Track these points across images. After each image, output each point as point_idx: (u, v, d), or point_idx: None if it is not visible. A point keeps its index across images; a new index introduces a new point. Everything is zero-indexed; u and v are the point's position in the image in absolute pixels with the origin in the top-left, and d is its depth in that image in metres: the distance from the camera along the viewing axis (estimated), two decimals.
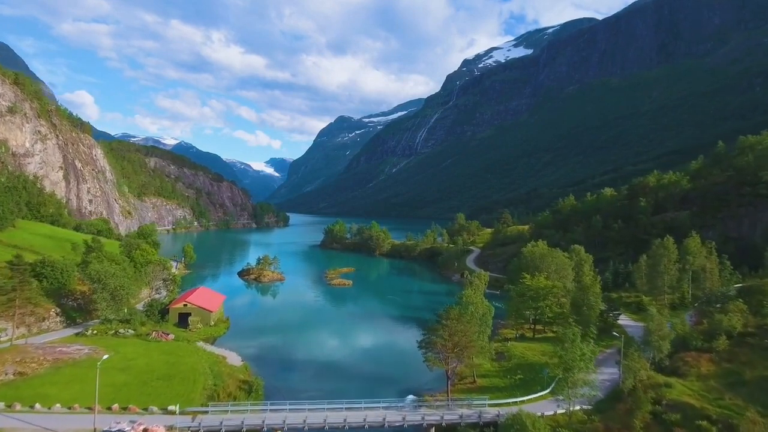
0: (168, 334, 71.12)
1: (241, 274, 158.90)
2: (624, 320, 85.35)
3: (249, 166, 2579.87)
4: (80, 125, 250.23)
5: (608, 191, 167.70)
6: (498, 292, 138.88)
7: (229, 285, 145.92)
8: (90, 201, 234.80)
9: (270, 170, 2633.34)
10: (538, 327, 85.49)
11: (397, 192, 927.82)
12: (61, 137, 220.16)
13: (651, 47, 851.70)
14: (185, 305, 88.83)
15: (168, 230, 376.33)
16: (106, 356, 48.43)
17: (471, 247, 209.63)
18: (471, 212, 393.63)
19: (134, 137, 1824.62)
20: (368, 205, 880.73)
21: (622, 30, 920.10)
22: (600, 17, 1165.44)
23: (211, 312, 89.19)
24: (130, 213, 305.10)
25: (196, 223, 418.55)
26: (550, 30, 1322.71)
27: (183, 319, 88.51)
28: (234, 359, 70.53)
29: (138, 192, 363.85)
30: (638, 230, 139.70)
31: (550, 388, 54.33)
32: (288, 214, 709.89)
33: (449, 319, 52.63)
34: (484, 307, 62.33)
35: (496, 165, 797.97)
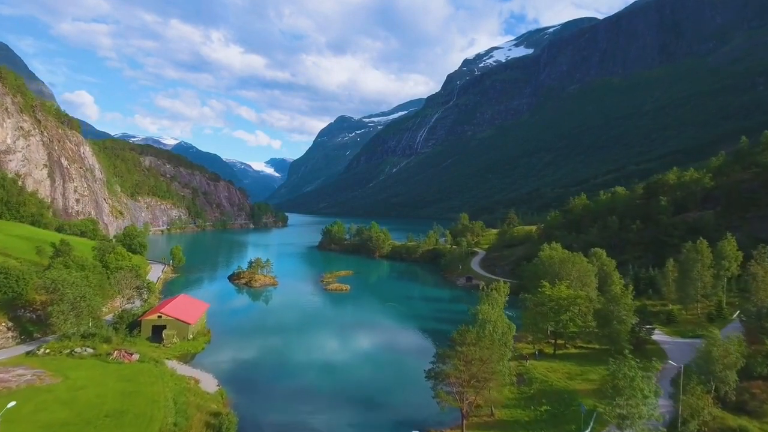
0: (132, 354, 61.01)
1: (232, 278, 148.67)
2: (657, 335, 75.13)
3: (249, 166, 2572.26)
4: (68, 122, 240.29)
5: (621, 190, 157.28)
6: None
7: (217, 290, 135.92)
8: (77, 200, 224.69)
9: (270, 170, 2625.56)
10: (559, 341, 75.34)
11: (398, 192, 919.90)
12: (46, 134, 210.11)
13: (652, 46, 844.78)
14: (159, 316, 78.72)
15: (162, 231, 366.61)
16: (12, 404, 37.18)
17: (475, 249, 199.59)
18: (472, 212, 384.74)
19: (134, 137, 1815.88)
20: (368, 205, 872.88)
21: (623, 29, 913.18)
22: (600, 17, 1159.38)
23: (189, 324, 79.04)
24: (121, 213, 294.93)
25: (192, 224, 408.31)
26: (551, 29, 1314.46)
27: (157, 333, 78.49)
28: (208, 383, 60.43)
29: (131, 191, 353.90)
30: (658, 231, 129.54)
31: (589, 430, 44.18)
32: (288, 214, 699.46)
33: (465, 345, 42.50)
34: (504, 325, 52.05)
35: (497, 165, 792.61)
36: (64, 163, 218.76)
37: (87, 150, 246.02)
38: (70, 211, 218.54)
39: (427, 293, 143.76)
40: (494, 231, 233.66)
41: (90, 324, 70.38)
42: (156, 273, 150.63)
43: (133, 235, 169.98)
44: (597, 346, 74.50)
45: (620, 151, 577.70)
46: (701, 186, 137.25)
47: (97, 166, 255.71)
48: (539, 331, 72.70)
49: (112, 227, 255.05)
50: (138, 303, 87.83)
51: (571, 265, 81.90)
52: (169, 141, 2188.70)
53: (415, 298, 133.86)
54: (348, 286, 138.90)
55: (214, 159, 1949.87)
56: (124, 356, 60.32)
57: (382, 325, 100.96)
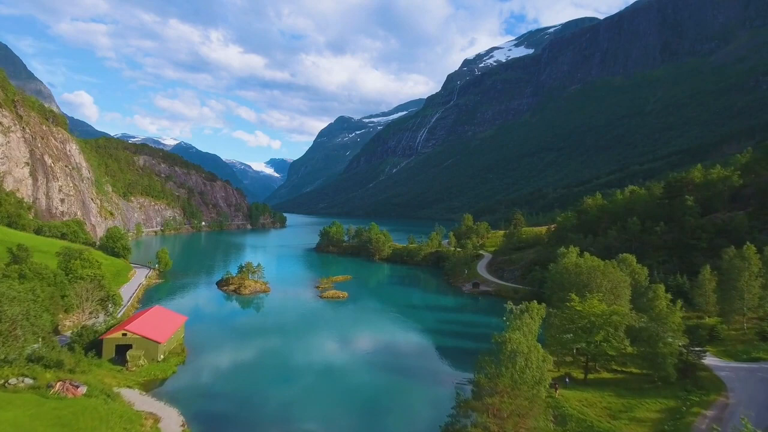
0: (78, 386, 50.03)
1: (220, 284, 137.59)
2: (708, 359, 64.08)
3: (249, 166, 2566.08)
4: (53, 118, 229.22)
5: (638, 189, 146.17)
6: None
7: (203, 298, 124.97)
8: (62, 200, 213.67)
9: (270, 171, 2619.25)
10: (590, 363, 64.34)
11: (398, 192, 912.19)
12: (28, 130, 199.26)
13: (654, 46, 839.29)
14: (124, 334, 67.79)
15: (156, 232, 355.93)
16: None
17: (481, 252, 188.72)
18: (473, 213, 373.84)
19: (134, 137, 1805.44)
20: (368, 206, 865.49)
21: (624, 29, 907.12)
22: (600, 16, 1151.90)
23: (159, 343, 68.10)
24: (112, 214, 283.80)
25: (187, 225, 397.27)
26: (552, 29, 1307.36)
27: (122, 353, 67.60)
28: (171, 422, 49.49)
29: (124, 191, 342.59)
30: (684, 234, 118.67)
31: None
32: (287, 214, 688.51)
33: (497, 394, 31.68)
34: (539, 358, 40.96)
35: (498, 165, 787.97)
36: (48, 161, 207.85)
37: (73, 147, 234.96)
38: (54, 211, 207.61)
39: (431, 301, 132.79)
40: (499, 232, 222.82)
41: (38, 345, 59.38)
42: (139, 278, 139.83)
43: (116, 237, 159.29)
44: (634, 370, 63.65)
45: (623, 151, 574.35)
46: (729, 184, 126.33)
47: (84, 164, 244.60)
48: (567, 353, 61.73)
49: (101, 228, 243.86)
50: (102, 318, 76.80)
51: (602, 275, 70.82)
52: (169, 141, 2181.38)
53: (419, 307, 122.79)
54: (345, 294, 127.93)
55: (214, 159, 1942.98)
56: (68, 389, 49.33)
57: (383, 341, 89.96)
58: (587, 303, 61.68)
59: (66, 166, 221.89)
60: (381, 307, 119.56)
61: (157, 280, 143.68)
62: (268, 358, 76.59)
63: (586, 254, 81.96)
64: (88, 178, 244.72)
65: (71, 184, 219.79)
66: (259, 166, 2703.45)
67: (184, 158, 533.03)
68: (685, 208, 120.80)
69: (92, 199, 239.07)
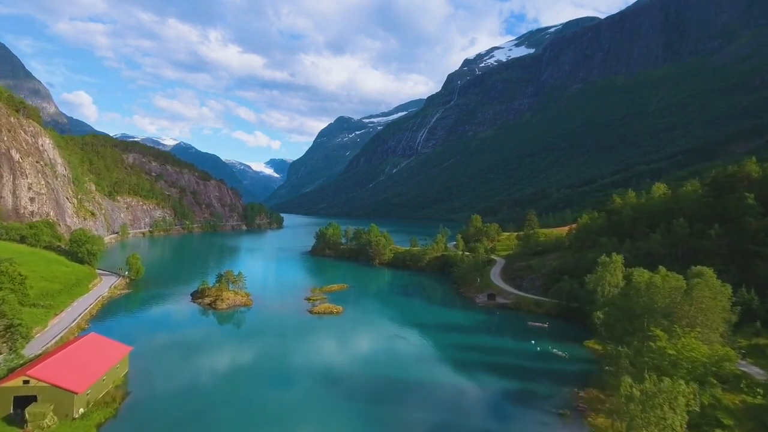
0: None
1: (195, 296, 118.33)
2: None
3: (249, 166, 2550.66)
4: (23, 109, 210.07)
5: (685, 185, 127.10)
6: (545, 325, 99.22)
7: (171, 313, 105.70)
8: (32, 199, 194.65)
9: (270, 171, 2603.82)
10: None
11: (398, 192, 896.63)
12: None
13: (657, 45, 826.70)
14: (26, 381, 48.74)
15: (144, 233, 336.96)
16: None
17: (492, 257, 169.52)
18: (474, 213, 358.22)
19: (133, 137, 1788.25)
20: (368, 206, 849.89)
21: (626, 28, 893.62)
22: (601, 16, 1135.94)
23: (75, 393, 49.06)
24: (93, 214, 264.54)
25: (177, 226, 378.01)
26: (552, 29, 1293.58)
27: (24, 406, 48.57)
28: None
29: (109, 191, 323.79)
30: (744, 238, 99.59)
31: None
32: (286, 215, 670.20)
33: None
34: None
35: (499, 165, 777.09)
36: (16, 156, 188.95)
37: (47, 142, 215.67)
38: (21, 211, 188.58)
39: (440, 317, 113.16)
40: (509, 235, 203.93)
41: None
42: (102, 289, 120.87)
43: (81, 240, 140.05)
44: None
45: (626, 151, 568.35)
46: None
47: (59, 160, 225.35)
48: (656, 423, 42.29)
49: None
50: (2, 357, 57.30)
51: (689, 300, 51.64)
52: (169, 141, 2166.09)
53: (427, 326, 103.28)
54: (340, 308, 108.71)
55: (214, 159, 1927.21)
56: None
57: (384, 377, 70.74)
58: (682, 340, 42.48)
59: (37, 162, 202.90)
60: (381, 328, 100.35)
61: (124, 291, 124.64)
62: (236, 405, 57.47)
63: (663, 270, 61.59)
64: (63, 176, 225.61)
65: (43, 182, 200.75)
66: (259, 166, 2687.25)
67: (176, 156, 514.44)
68: (743, 207, 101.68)
69: (68, 198, 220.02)
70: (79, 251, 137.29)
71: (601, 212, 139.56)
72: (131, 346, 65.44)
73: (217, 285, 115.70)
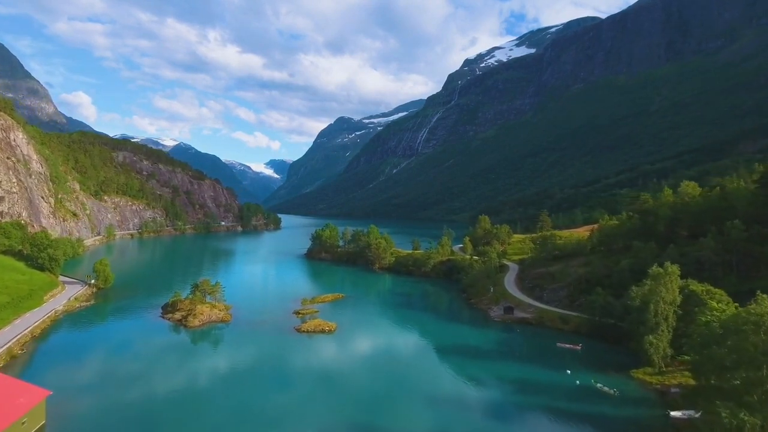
0: None
1: (166, 309, 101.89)
2: None
3: (248, 167, 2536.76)
4: None
5: (735, 181, 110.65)
6: (579, 347, 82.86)
7: (132, 333, 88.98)
8: (1, 198, 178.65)
9: (269, 171, 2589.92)
10: None
11: (398, 193, 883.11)
12: None
13: (659, 44, 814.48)
14: None
15: (133, 234, 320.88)
16: None
17: (504, 262, 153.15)
18: (476, 214, 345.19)
19: (133, 138, 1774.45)
20: (368, 207, 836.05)
21: (628, 27, 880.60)
22: (601, 16, 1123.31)
23: None
24: (75, 215, 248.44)
25: (169, 227, 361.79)
26: (553, 29, 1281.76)
27: None
28: None
29: (95, 190, 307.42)
30: None
31: None
32: (286, 215, 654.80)
33: None
34: None
35: (500, 165, 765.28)
36: None
37: (19, 137, 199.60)
38: None
39: (450, 335, 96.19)
40: (523, 237, 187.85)
41: None
42: (60, 300, 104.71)
43: (42, 244, 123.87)
44: None
45: (630, 151, 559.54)
46: None
47: (35, 157, 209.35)
48: None
49: (57, 232, 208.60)
50: None
51: None
52: (168, 142, 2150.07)
53: (436, 348, 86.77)
54: (333, 325, 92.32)
55: (214, 160, 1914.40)
56: None
57: (381, 429, 54.52)
58: None
59: (8, 158, 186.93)
60: (380, 352, 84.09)
61: (86, 303, 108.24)
62: None
63: (763, 296, 44.44)
64: (39, 173, 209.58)
65: (14, 180, 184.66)
66: (259, 166, 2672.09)
67: (171, 156, 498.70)
68: None
69: (43, 198, 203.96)
70: (39, 257, 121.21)
71: (631, 213, 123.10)
72: (49, 390, 49.16)
73: (191, 297, 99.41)
